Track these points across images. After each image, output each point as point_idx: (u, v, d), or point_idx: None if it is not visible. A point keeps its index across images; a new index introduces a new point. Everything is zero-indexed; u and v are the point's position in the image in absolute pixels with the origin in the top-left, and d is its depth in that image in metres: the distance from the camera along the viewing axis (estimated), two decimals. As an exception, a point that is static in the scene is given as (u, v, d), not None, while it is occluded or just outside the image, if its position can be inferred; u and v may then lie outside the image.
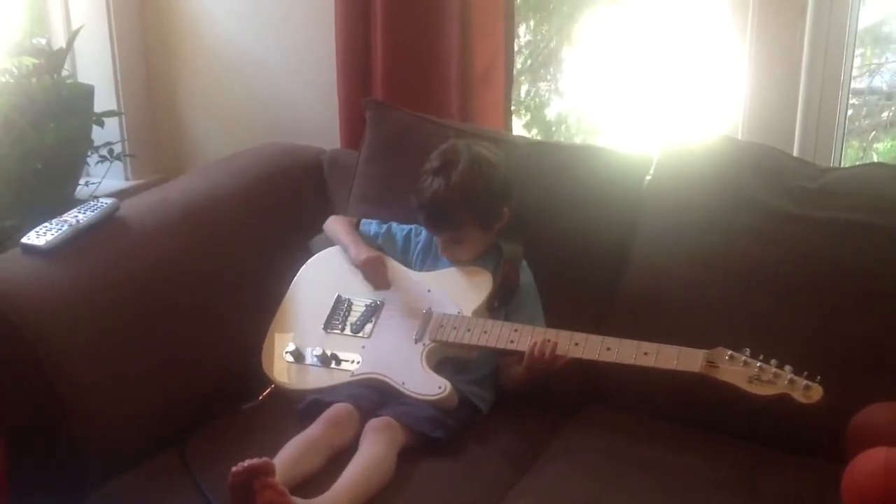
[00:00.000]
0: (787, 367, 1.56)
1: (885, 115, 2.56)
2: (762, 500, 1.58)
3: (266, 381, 1.90)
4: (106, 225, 1.90)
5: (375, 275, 1.96)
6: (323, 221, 2.23)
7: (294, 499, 1.47)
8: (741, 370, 1.58)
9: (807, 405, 1.53)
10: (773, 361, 1.57)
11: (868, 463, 1.44)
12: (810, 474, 1.64)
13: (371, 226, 2.06)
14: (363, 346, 1.88)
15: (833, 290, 1.76)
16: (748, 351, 1.59)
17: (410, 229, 2.04)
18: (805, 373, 1.55)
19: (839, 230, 1.78)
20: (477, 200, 1.88)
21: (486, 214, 1.91)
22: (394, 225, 2.05)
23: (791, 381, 1.54)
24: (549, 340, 1.73)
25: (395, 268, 1.99)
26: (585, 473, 1.66)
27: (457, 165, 1.89)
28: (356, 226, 2.07)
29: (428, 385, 1.77)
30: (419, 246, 2.01)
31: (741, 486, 1.62)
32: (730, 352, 1.60)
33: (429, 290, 1.91)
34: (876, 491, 1.40)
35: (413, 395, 1.77)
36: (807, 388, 1.53)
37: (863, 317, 1.73)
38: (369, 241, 2.03)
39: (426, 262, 2.00)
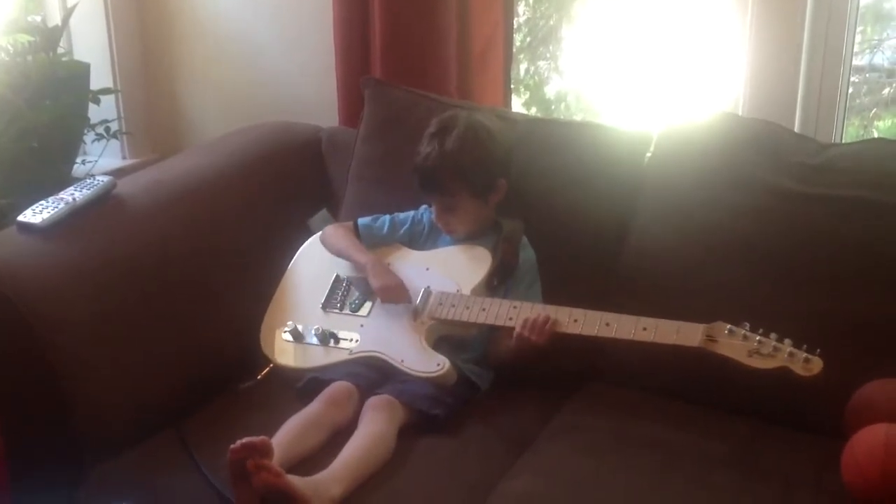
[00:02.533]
0: (787, 341, 1.55)
1: (885, 91, 2.55)
2: (762, 476, 1.58)
3: (264, 360, 1.90)
4: (102, 203, 1.90)
5: (398, 299, 1.87)
6: (321, 200, 2.23)
7: (291, 478, 1.46)
8: (741, 344, 1.58)
9: (807, 379, 1.52)
10: (773, 335, 1.56)
11: (868, 440, 1.44)
12: (810, 451, 1.64)
13: (373, 228, 2.00)
14: (362, 325, 1.88)
15: (834, 267, 1.75)
16: (748, 325, 1.59)
17: (412, 216, 2.02)
18: (804, 346, 1.54)
19: (840, 206, 1.77)
20: (469, 166, 1.87)
21: (479, 182, 1.89)
22: (397, 217, 2.01)
23: (791, 354, 1.54)
24: (540, 316, 1.72)
25: (395, 247, 1.98)
26: (584, 451, 1.66)
27: (452, 131, 1.89)
28: (354, 229, 2.01)
29: (426, 362, 1.77)
30: (424, 231, 2.00)
31: (741, 462, 1.61)
32: (729, 326, 1.59)
33: (427, 269, 1.91)
34: (875, 467, 1.41)
35: (411, 372, 1.77)
36: (807, 360, 1.53)
37: (864, 293, 1.72)
38: (379, 241, 1.99)
39: (427, 241, 1.99)
